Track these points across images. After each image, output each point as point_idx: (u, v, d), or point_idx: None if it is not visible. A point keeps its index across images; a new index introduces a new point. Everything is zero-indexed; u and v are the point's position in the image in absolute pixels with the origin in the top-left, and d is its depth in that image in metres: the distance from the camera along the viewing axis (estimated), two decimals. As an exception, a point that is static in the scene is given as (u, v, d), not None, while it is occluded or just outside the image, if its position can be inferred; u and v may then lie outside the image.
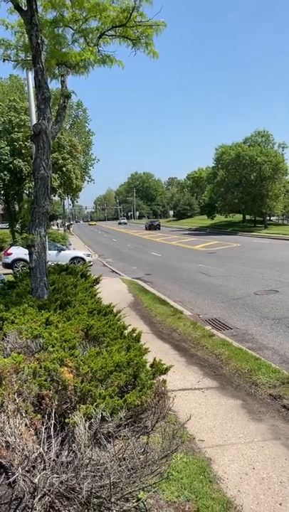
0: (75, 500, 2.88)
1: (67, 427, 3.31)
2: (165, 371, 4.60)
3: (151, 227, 70.16)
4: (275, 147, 63.35)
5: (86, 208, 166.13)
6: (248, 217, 67.69)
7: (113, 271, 21.70)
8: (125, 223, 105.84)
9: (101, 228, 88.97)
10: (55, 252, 20.79)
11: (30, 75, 12.52)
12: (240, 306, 11.55)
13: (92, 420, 3.07)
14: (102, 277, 10.85)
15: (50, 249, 20.44)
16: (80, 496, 2.82)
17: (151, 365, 4.64)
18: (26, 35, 8.02)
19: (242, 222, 67.94)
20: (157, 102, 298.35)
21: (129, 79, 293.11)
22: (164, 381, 4.14)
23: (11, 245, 22.12)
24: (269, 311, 10.79)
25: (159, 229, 68.73)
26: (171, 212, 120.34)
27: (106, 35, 10.98)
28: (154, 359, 4.73)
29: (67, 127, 40.80)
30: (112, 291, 13.74)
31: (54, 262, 19.79)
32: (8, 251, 21.10)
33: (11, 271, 19.33)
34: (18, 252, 20.14)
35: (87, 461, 2.86)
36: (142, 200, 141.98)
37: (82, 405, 3.35)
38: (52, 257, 19.80)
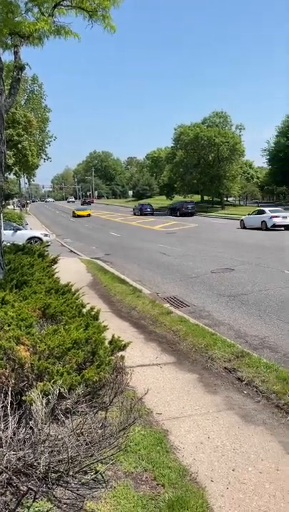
0: (33, 476, 2.88)
1: (24, 405, 3.29)
2: (123, 347, 4.65)
3: (142, 211, 53.91)
4: (233, 128, 64.14)
5: (43, 187, 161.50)
6: (206, 197, 68.63)
7: (72, 251, 21.46)
8: (73, 201, 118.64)
9: (59, 208, 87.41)
10: (11, 231, 20.27)
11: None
12: (198, 284, 11.79)
13: (50, 397, 3.07)
14: (60, 257, 10.71)
15: (5, 229, 19.89)
16: (38, 472, 2.83)
17: (110, 342, 4.67)
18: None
19: (200, 202, 68.80)
20: (114, 81, 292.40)
21: (89, 56, 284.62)
22: (122, 357, 4.19)
23: None
24: (225, 288, 11.09)
25: (153, 214, 53.81)
26: (130, 193, 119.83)
27: (61, 5, 10.54)
28: (113, 336, 4.76)
29: (22, 102, 39.22)
30: (71, 271, 13.60)
31: (10, 242, 19.23)
32: None
33: None
34: None
35: (45, 437, 2.87)
36: (100, 179, 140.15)
37: (39, 382, 3.34)
38: (7, 236, 19.15)
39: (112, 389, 3.61)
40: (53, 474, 2.95)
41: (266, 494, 3.19)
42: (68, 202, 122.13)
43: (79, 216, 52.90)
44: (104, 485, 3.11)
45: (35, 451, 2.77)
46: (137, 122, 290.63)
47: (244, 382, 5.23)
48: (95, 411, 3.63)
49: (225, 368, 5.71)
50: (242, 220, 32.14)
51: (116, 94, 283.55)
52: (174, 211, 51.53)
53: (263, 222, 29.07)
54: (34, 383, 3.39)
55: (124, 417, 3.31)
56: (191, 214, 49.03)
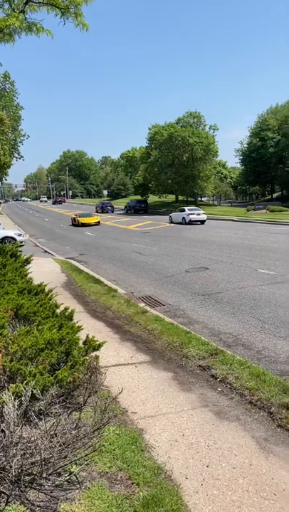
0: (5, 479, 2.83)
1: (-4, 408, 3.22)
2: (98, 347, 4.62)
3: (104, 209, 60.18)
4: (207, 129, 64.74)
5: (16, 187, 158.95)
6: (180, 197, 69.03)
7: (45, 251, 21.19)
8: (46, 201, 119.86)
9: (32, 207, 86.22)
10: None
11: None
12: (173, 284, 11.85)
13: (22, 398, 3.01)
14: (34, 257, 10.57)
15: None
16: (10, 475, 2.77)
17: (84, 342, 4.63)
18: None
19: (175, 202, 69.14)
20: (88, 79, 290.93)
21: (63, 53, 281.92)
22: (97, 357, 4.16)
23: None
24: (199, 287, 11.18)
25: (113, 212, 59.98)
26: (105, 192, 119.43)
27: (33, 1, 10.41)
28: (87, 336, 4.73)
29: (-6, 100, 38.47)
30: (44, 271, 13.45)
31: None
32: None
33: None
34: None
35: (17, 439, 2.81)
36: (75, 179, 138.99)
37: (11, 384, 3.28)
38: None
39: (87, 389, 3.58)
40: (26, 477, 2.90)
41: (240, 489, 3.23)
42: (41, 201, 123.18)
43: (84, 225, 36.87)
44: (78, 486, 3.08)
45: (7, 455, 2.71)
46: (111, 121, 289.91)
47: (218, 380, 5.28)
48: (68, 412, 3.59)
49: (199, 365, 5.76)
50: (170, 216, 39.41)
51: (90, 92, 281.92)
52: (129, 209, 58.61)
53: (183, 218, 36.63)
54: (6, 385, 3.33)
55: (99, 417, 3.29)
56: (144, 211, 56.48)
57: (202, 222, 36.04)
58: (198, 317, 8.54)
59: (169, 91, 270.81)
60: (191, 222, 35.66)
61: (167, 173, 59.76)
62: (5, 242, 19.97)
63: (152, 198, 74.99)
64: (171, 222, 38.20)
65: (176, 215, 38.40)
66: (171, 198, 72.59)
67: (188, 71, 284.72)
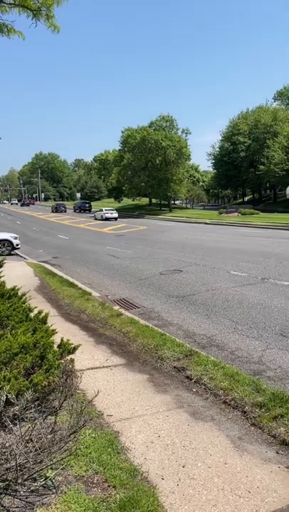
0: (-21, 486, 2.78)
1: None
2: (73, 350, 4.59)
3: (58, 209, 74.91)
4: (179, 132, 65.37)
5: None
6: (154, 200, 69.42)
7: (18, 254, 20.86)
8: (16, 203, 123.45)
9: (3, 210, 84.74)
10: None
11: None
12: (147, 286, 11.90)
13: (-4, 404, 2.97)
14: (6, 261, 10.38)
15: None
16: (-15, 482, 2.73)
17: (59, 346, 4.59)
18: None
19: (148, 205, 69.51)
20: (60, 81, 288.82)
21: (34, 53, 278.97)
22: (72, 360, 4.14)
23: None
24: (173, 289, 11.27)
25: (66, 211, 73.63)
26: (78, 195, 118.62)
27: (4, 3, 10.28)
28: (62, 339, 4.69)
29: None
30: (17, 274, 13.24)
31: None
32: None
33: None
34: None
35: (-8, 445, 2.77)
36: (47, 181, 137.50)
37: (-15, 390, 3.22)
38: None
39: (62, 393, 3.55)
40: (0, 483, 2.85)
41: (215, 488, 3.28)
42: (12, 204, 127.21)
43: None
44: (54, 491, 3.05)
45: (-19, 461, 2.67)
46: (84, 124, 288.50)
47: (193, 381, 5.34)
48: (44, 416, 3.55)
49: (174, 367, 5.80)
50: (94, 215, 52.92)
51: (62, 94, 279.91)
52: (76, 208, 74.15)
53: (101, 215, 49.89)
54: (-21, 390, 3.27)
55: (75, 421, 3.27)
56: (89, 211, 68.82)
57: (115, 219, 48.96)
58: (172, 319, 8.60)
59: (142, 94, 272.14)
60: (107, 219, 48.70)
61: (140, 176, 59.99)
62: (1, 245, 20.22)
63: (126, 201, 75.09)
64: (96, 219, 50.61)
65: (98, 214, 51.63)
66: (145, 201, 72.90)
67: (162, 75, 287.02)
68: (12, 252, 20.52)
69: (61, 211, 72.73)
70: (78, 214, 66.66)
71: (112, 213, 50.17)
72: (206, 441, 3.95)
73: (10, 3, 10.26)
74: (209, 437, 4.02)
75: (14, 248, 20.87)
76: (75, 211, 72.80)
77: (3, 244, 20.48)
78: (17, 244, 20.97)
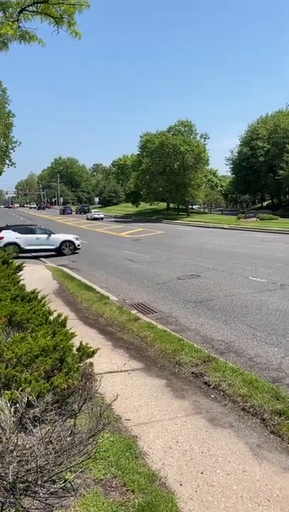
0: (0, 486, 2.82)
1: (-10, 415, 3.21)
2: (92, 354, 4.63)
3: (64, 212, 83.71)
4: (198, 137, 65.28)
5: (7, 193, 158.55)
6: (171, 205, 69.35)
7: (37, 258, 21.11)
8: (35, 207, 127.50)
9: (23, 214, 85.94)
10: (45, 236, 21.64)
11: None
12: (165, 291, 11.89)
13: (18, 405, 3.01)
14: (26, 264, 10.54)
15: (40, 234, 21.71)
16: (6, 482, 2.77)
17: (78, 349, 4.64)
18: None
19: (166, 210, 69.44)
20: (80, 87, 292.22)
21: (54, 65, 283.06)
22: (91, 364, 4.17)
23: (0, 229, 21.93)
24: (191, 294, 11.23)
25: (71, 213, 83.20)
26: (96, 199, 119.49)
27: (27, 10, 10.48)
28: (81, 343, 4.73)
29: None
30: (36, 278, 13.40)
31: (46, 245, 21.13)
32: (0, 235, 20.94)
33: None
34: (10, 236, 20.90)
35: (13, 446, 2.81)
36: (66, 186, 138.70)
37: (6, 391, 3.27)
38: (42, 240, 21.43)
39: (81, 396, 3.58)
40: (20, 484, 2.89)
41: (234, 495, 3.25)
42: (30, 208, 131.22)
43: None
44: (73, 493, 3.08)
45: (3, 462, 2.71)
46: (104, 129, 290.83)
47: (211, 387, 5.31)
48: (63, 419, 3.58)
49: (192, 372, 5.78)
50: (87, 216, 64.56)
51: (81, 100, 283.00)
52: (78, 211, 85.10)
53: (91, 215, 62.08)
54: (1, 391, 3.32)
55: (94, 424, 3.29)
56: (86, 212, 74.33)
57: (102, 218, 59.82)
58: (190, 324, 8.57)
59: (160, 100, 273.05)
60: (95, 218, 59.44)
61: (158, 181, 60.06)
62: (67, 245, 21.70)
63: (144, 206, 75.18)
64: (87, 218, 61.24)
65: (89, 215, 63.50)
66: (163, 205, 72.89)
67: (181, 80, 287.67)
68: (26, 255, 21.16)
69: (68, 213, 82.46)
70: (80, 215, 74.92)
71: (98, 214, 62.26)
72: (224, 448, 3.92)
73: (33, 11, 10.45)
74: (228, 444, 3.99)
75: (76, 248, 22.36)
76: (77, 213, 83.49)
77: (67, 245, 21.95)
78: (78, 245, 22.43)
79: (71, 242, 22.26)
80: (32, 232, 21.98)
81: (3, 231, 21.32)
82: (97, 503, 3.02)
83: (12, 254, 12.63)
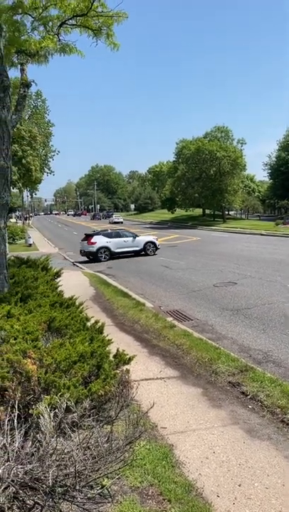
0: (39, 490, 2.88)
1: (30, 418, 3.30)
2: (128, 361, 4.66)
3: (95, 217, 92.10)
4: (234, 143, 64.62)
5: (46, 201, 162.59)
6: (207, 211, 68.86)
7: (74, 264, 21.51)
8: (72, 214, 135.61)
9: (61, 221, 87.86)
10: (131, 238, 23.60)
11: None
12: (201, 298, 11.80)
13: (57, 410, 3.08)
14: (63, 270, 10.75)
15: (127, 237, 23.54)
16: (45, 486, 2.83)
17: (115, 356, 4.68)
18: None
19: (202, 216, 68.99)
20: (117, 96, 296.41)
21: (90, 74, 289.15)
22: (128, 371, 4.21)
23: (92, 235, 23.44)
24: (228, 302, 11.09)
25: (100, 219, 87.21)
26: (132, 206, 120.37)
27: (67, 24, 10.78)
28: (118, 350, 4.78)
29: (26, 117, 39.77)
30: (74, 284, 13.64)
31: (132, 247, 22.96)
32: (92, 240, 22.50)
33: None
34: (101, 240, 22.50)
35: (52, 450, 2.87)
36: (102, 193, 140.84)
37: (46, 396, 3.35)
38: (129, 243, 23.50)
39: (118, 403, 3.61)
40: (59, 489, 2.95)
41: (272, 510, 3.18)
42: (68, 215, 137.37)
43: None
44: (110, 499, 3.11)
45: (43, 465, 2.77)
46: (139, 136, 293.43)
47: (249, 397, 5.22)
48: (101, 425, 3.63)
49: (229, 382, 5.71)
50: (108, 220, 71.54)
51: (119, 108, 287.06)
52: (92, 217, 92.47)
53: (111, 219, 70.42)
54: (41, 396, 3.41)
55: (130, 431, 3.31)
56: (99, 219, 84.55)
57: (121, 222, 65.43)
58: (227, 333, 8.46)
59: (196, 106, 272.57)
60: (115, 222, 65.13)
61: (194, 187, 59.77)
62: (149, 246, 23.76)
63: (179, 212, 75.06)
64: (109, 223, 65.70)
65: (110, 219, 71.29)
66: (198, 211, 72.50)
67: (218, 85, 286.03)
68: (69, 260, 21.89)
69: (97, 219, 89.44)
70: (106, 220, 79.65)
71: (118, 219, 70.06)
72: (262, 460, 3.84)
73: (72, 25, 10.74)
74: (266, 457, 3.90)
75: (157, 248, 24.15)
76: (92, 219, 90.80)
77: (150, 246, 23.74)
78: (158, 245, 24.40)
79: (152, 243, 23.98)
80: (119, 235, 23.68)
81: (95, 237, 22.83)
82: (134, 510, 3.03)
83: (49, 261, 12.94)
